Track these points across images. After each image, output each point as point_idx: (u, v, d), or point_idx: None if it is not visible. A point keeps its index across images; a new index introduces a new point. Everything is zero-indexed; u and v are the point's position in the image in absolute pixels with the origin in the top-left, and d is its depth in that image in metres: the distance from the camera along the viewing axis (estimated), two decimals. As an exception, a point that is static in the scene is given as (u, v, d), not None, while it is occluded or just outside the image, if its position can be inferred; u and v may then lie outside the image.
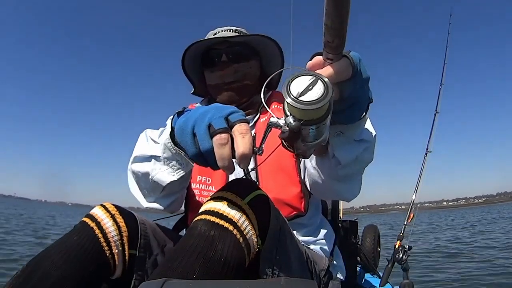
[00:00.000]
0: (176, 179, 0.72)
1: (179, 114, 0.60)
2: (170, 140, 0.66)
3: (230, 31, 1.03)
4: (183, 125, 0.53)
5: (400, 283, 1.49)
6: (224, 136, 0.49)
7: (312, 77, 0.44)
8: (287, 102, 0.43)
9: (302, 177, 0.93)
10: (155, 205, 0.83)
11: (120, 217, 0.72)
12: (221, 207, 0.56)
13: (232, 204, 0.57)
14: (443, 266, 4.13)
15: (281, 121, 0.48)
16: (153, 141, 0.77)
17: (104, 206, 0.73)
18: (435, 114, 1.96)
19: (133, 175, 0.79)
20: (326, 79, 0.44)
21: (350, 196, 0.83)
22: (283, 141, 0.52)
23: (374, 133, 0.72)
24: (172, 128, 0.64)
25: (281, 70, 0.76)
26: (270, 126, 0.51)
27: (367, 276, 1.58)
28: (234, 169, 0.51)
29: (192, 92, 1.13)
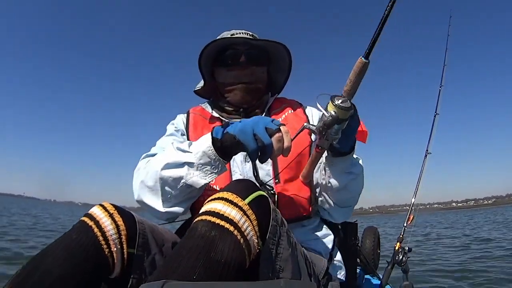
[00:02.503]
0: (208, 181, 0.77)
1: (224, 125, 0.76)
2: (212, 148, 0.74)
3: (247, 34, 1.06)
4: (242, 129, 0.71)
5: (400, 285, 1.49)
6: (280, 134, 0.70)
7: (345, 98, 0.72)
8: (335, 105, 0.71)
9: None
10: (174, 209, 0.84)
11: (119, 216, 0.73)
12: (222, 207, 0.57)
13: (232, 204, 0.57)
14: (444, 267, 4.12)
15: (311, 125, 0.77)
16: (182, 151, 0.81)
17: (102, 206, 0.73)
18: (434, 116, 1.96)
19: (159, 181, 0.80)
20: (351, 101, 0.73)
21: (344, 217, 1.03)
22: (319, 130, 0.74)
23: (362, 168, 0.93)
24: (214, 138, 0.75)
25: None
26: (304, 127, 0.78)
27: (367, 277, 1.58)
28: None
29: (198, 89, 1.13)
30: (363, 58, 0.71)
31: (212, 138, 0.75)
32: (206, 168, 0.76)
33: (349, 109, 0.71)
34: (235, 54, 1.02)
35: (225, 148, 0.74)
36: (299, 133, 0.79)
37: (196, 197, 0.87)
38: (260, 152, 0.71)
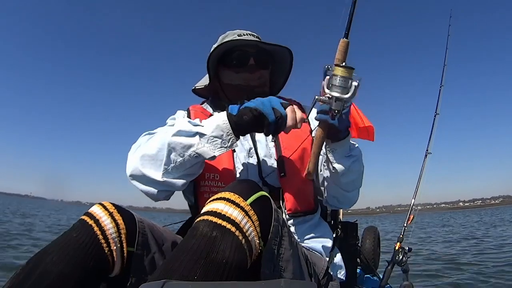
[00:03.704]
0: (217, 154, 0.79)
1: (240, 104, 0.80)
2: (227, 122, 0.78)
3: (253, 36, 1.05)
4: (263, 102, 0.78)
5: (400, 285, 1.49)
6: (293, 107, 0.80)
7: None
8: (341, 66, 0.78)
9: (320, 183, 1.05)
10: (173, 181, 0.83)
11: (118, 215, 0.73)
12: (223, 208, 0.57)
13: (234, 205, 0.57)
14: (446, 269, 4.12)
15: (322, 97, 0.81)
16: (193, 124, 0.82)
17: (102, 205, 0.74)
18: (435, 116, 1.96)
19: (166, 148, 0.80)
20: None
21: (352, 200, 1.04)
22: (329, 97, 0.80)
23: (360, 150, 0.99)
24: (229, 114, 0.79)
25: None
26: (316, 100, 0.82)
27: (367, 277, 1.58)
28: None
29: (200, 87, 1.12)
30: (344, 39, 0.83)
31: (228, 114, 0.79)
32: (217, 142, 0.78)
33: (353, 68, 0.79)
34: (244, 56, 1.01)
35: (241, 124, 0.78)
36: (312, 106, 0.87)
37: (196, 174, 0.88)
38: (276, 124, 0.77)
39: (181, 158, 0.80)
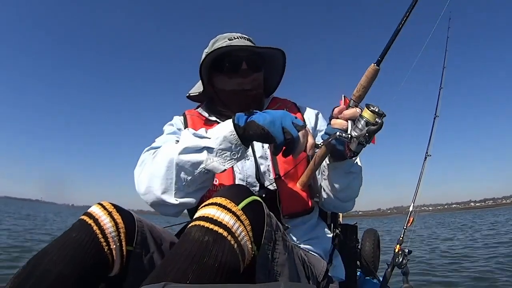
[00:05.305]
0: (227, 167, 0.75)
1: (248, 113, 0.76)
2: (234, 133, 0.73)
3: (244, 38, 1.05)
4: (272, 121, 0.72)
5: (400, 287, 1.49)
6: (305, 131, 0.75)
7: (376, 105, 0.75)
8: (371, 110, 0.74)
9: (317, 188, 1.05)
10: (187, 200, 0.80)
11: (117, 214, 0.74)
12: (215, 213, 0.57)
13: (226, 210, 0.57)
14: (449, 270, 4.09)
15: (344, 134, 0.77)
16: (199, 136, 0.78)
17: (101, 204, 0.74)
18: (434, 118, 1.95)
19: (175, 167, 0.77)
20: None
21: (347, 209, 1.06)
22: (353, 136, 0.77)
23: (361, 166, 0.96)
24: (235, 125, 0.74)
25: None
26: (338, 137, 0.77)
27: (367, 279, 1.58)
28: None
29: (194, 94, 1.12)
30: (375, 65, 0.76)
31: (234, 124, 0.74)
32: (226, 154, 0.74)
33: (384, 115, 0.74)
34: (236, 61, 0.99)
35: (247, 136, 0.74)
36: (329, 140, 0.79)
37: (208, 187, 0.85)
38: (286, 145, 0.73)
39: (190, 177, 0.77)
